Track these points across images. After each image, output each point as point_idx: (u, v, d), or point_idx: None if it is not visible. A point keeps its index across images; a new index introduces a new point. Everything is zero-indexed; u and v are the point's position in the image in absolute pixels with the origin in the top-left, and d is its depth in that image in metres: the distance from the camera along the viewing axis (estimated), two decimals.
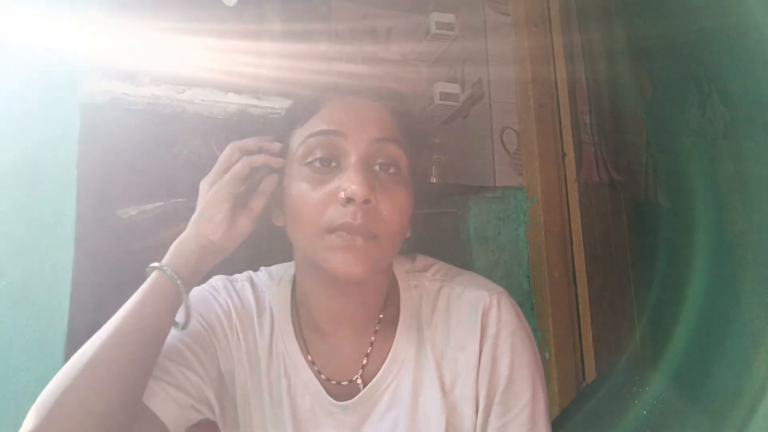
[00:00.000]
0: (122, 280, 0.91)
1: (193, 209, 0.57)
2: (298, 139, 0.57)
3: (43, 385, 0.62)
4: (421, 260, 0.69)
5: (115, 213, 0.83)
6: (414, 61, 1.88)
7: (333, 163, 0.56)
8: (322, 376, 0.59)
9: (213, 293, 0.63)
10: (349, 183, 0.54)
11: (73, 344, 0.67)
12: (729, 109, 1.03)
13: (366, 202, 0.55)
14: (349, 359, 0.60)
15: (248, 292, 0.63)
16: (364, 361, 0.60)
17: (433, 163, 1.69)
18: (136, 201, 0.84)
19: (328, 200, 0.55)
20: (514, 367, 0.59)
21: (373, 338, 0.61)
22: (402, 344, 0.60)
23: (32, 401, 0.62)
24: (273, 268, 0.67)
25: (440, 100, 1.64)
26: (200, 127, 0.81)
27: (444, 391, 0.58)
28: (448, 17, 1.67)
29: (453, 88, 1.65)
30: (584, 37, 1.46)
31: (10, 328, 0.63)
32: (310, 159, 0.56)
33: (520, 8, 1.56)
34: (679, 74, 1.17)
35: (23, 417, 0.61)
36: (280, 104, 0.81)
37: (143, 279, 0.59)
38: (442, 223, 1.60)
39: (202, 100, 0.77)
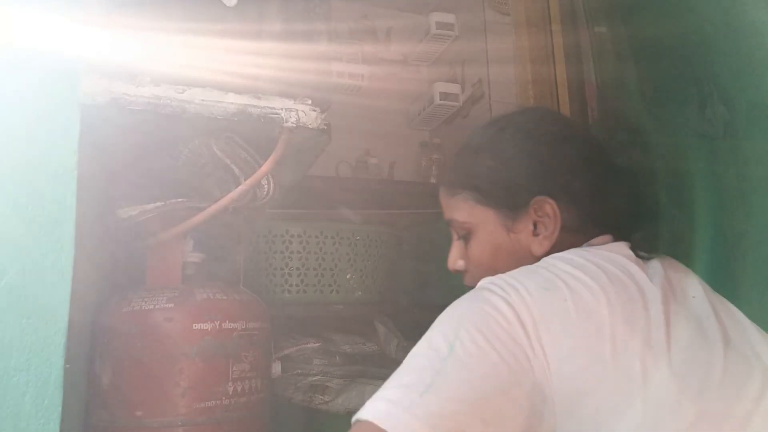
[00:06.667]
0: (122, 280, 0.91)
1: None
2: None
3: (43, 385, 0.62)
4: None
5: (115, 213, 0.84)
6: (414, 61, 1.88)
7: None
8: None
9: None
10: None
11: (73, 344, 0.67)
12: (729, 109, 1.02)
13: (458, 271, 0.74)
14: None
15: None
16: None
17: (433, 163, 1.69)
18: (136, 201, 0.84)
19: None
20: None
21: None
22: None
23: (32, 401, 0.62)
24: None
25: (440, 100, 1.64)
26: (200, 127, 0.81)
27: None
28: (448, 17, 1.67)
29: (453, 88, 1.66)
30: (592, 37, 1.46)
31: (10, 328, 0.63)
32: None
33: (520, 8, 1.56)
34: (679, 74, 1.17)
35: (23, 417, 0.61)
36: (280, 104, 0.81)
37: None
38: (442, 223, 1.59)
39: (202, 100, 0.77)
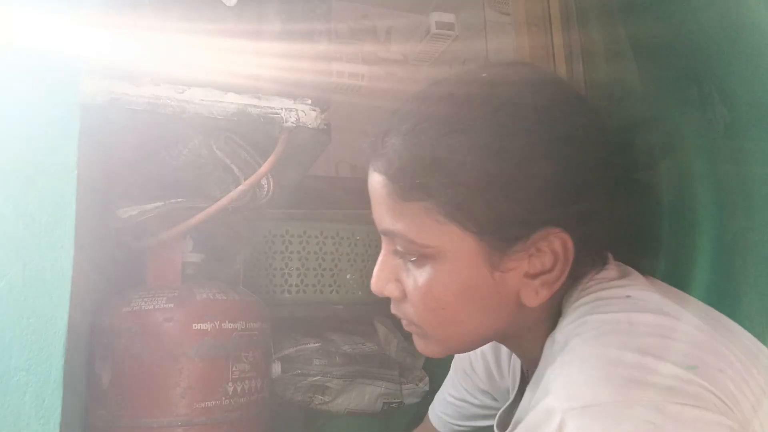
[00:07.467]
0: (122, 280, 0.91)
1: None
2: None
3: (43, 385, 0.62)
4: (589, 293, 0.48)
5: (115, 213, 0.83)
6: (414, 61, 1.88)
7: None
8: None
9: None
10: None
11: (73, 344, 0.67)
12: (729, 109, 1.02)
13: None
14: None
15: None
16: None
17: None
18: (136, 201, 0.84)
19: None
20: None
21: None
22: None
23: (32, 401, 0.62)
24: None
25: None
26: (200, 127, 0.81)
27: None
28: (449, 17, 1.67)
29: None
30: (586, 36, 1.46)
31: (10, 328, 0.63)
32: None
33: (520, 8, 1.56)
34: (679, 74, 1.17)
35: (23, 417, 0.61)
36: (280, 104, 0.81)
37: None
38: None
39: (202, 100, 0.77)
